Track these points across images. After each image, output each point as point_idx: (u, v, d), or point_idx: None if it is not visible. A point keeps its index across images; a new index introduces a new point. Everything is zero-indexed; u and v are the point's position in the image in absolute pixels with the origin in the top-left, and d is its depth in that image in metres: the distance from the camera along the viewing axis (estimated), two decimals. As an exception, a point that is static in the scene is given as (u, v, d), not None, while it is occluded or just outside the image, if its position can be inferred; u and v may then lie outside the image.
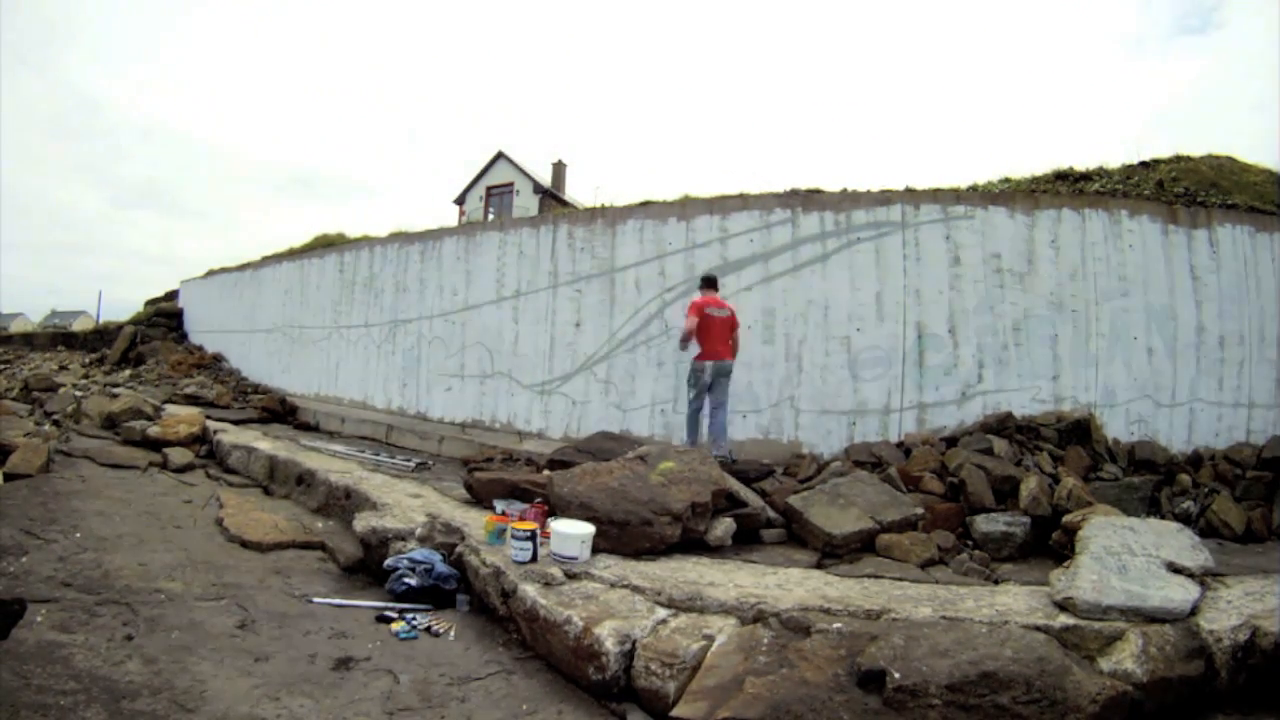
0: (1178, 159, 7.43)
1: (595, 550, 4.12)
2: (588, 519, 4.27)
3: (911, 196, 6.45)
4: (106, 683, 2.71)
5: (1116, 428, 6.08)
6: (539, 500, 4.92)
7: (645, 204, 7.55)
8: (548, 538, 4.11)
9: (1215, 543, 4.80)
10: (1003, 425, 5.83)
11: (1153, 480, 5.52)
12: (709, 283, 6.08)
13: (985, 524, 4.72)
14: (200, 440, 8.21)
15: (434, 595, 4.00)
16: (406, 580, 3.98)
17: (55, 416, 8.79)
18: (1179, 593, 3.20)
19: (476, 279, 8.71)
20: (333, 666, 3.12)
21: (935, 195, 6.45)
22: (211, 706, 2.65)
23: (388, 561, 4.20)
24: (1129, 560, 3.48)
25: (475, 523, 4.76)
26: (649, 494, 4.47)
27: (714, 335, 5.79)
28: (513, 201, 23.15)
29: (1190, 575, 3.39)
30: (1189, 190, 6.70)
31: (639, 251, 7.31)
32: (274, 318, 12.79)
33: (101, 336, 18.86)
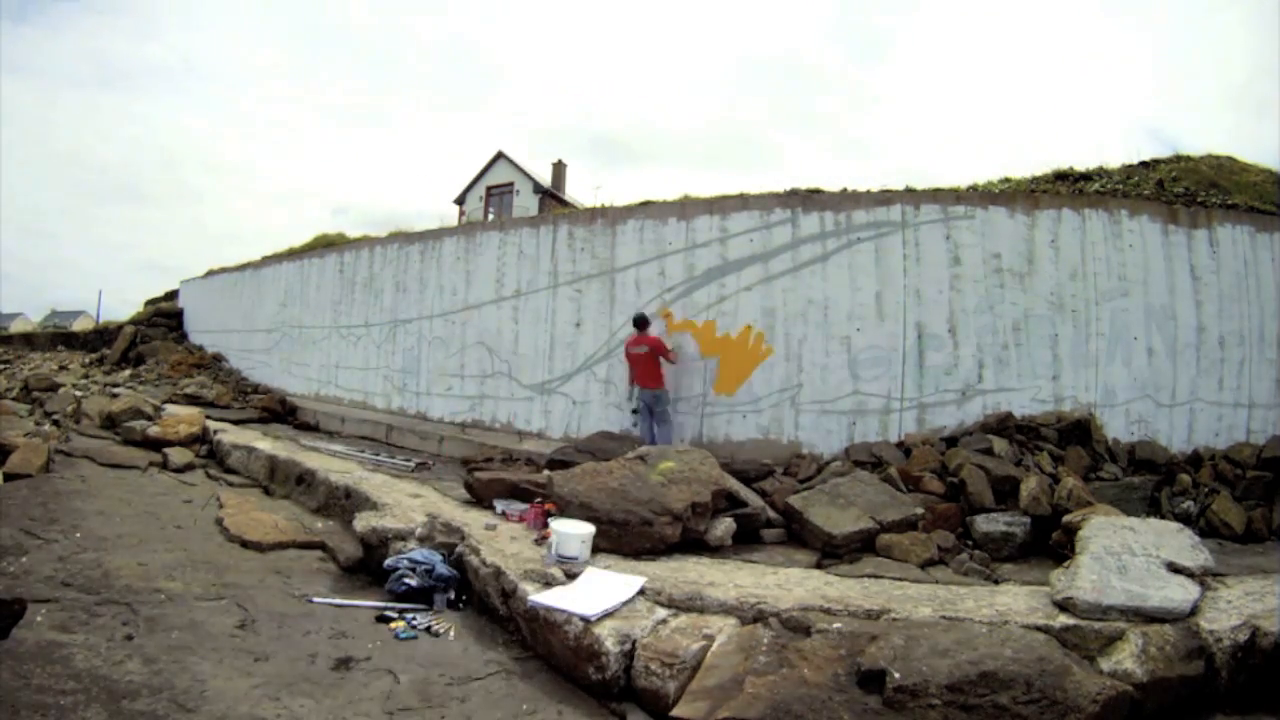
0: (1178, 159, 7.43)
1: (595, 550, 4.12)
2: (588, 519, 4.27)
3: (911, 196, 6.44)
4: (106, 683, 2.71)
5: (1116, 428, 6.08)
6: (539, 500, 4.92)
7: (645, 204, 7.55)
8: (548, 538, 4.11)
9: (1215, 543, 4.79)
10: (1003, 425, 5.82)
11: (1153, 480, 5.52)
12: (634, 323, 6.83)
13: (985, 524, 4.72)
14: (200, 440, 8.21)
15: (434, 595, 3.99)
16: (406, 580, 3.98)
17: (55, 416, 8.80)
18: (1179, 593, 3.20)
19: (476, 279, 8.71)
20: (333, 666, 3.12)
21: (935, 195, 6.44)
22: (211, 706, 2.65)
23: (388, 561, 4.20)
24: (1129, 560, 3.48)
25: (475, 523, 4.77)
26: (649, 494, 4.47)
27: (634, 369, 6.75)
28: (513, 201, 23.13)
29: (1190, 575, 3.39)
30: (1189, 190, 6.70)
31: (639, 251, 7.31)
32: (274, 318, 12.79)
33: (101, 336, 18.87)
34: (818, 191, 6.75)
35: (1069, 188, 6.88)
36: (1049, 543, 4.52)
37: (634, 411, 6.91)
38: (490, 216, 21.78)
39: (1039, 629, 3.05)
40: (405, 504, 5.31)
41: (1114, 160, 7.48)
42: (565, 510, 4.47)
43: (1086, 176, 7.19)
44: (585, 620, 3.17)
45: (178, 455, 7.42)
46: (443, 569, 4.08)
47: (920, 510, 4.82)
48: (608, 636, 3.07)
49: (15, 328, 33.17)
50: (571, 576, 3.73)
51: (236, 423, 9.67)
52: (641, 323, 6.76)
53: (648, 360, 6.60)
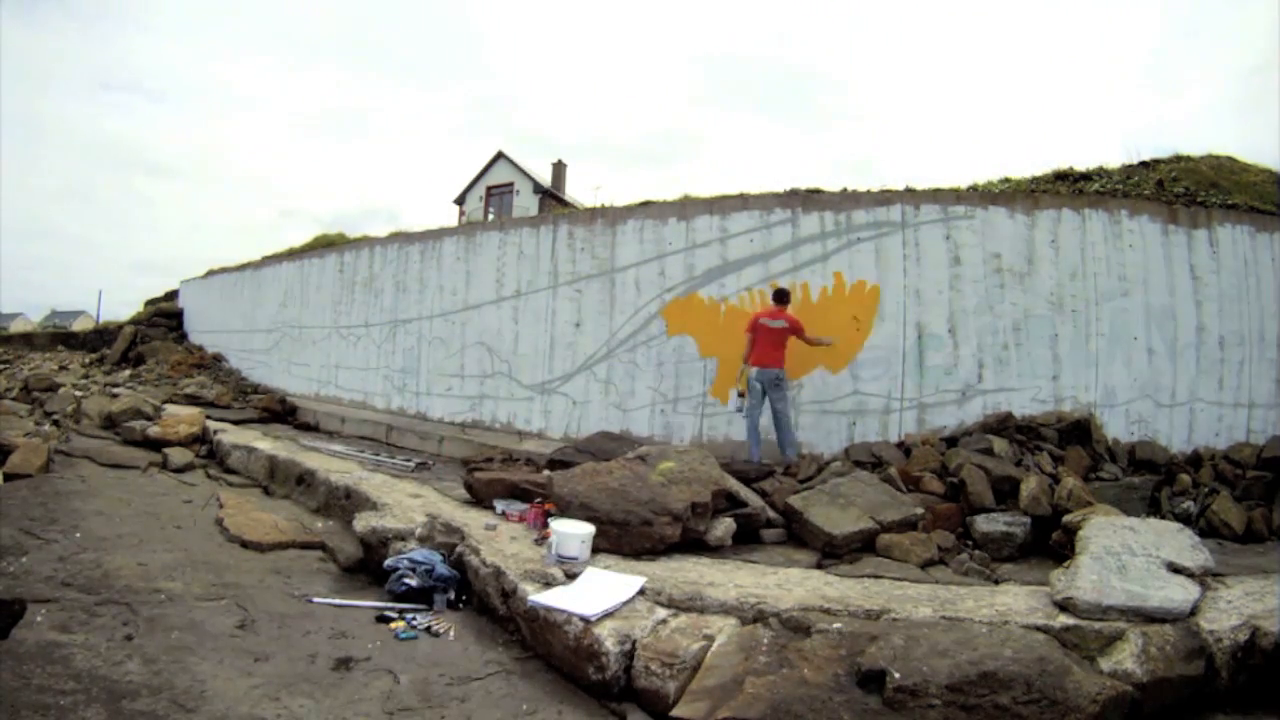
0: (1178, 159, 7.42)
1: (595, 550, 4.12)
2: (588, 519, 4.27)
3: (911, 196, 6.45)
4: (106, 683, 2.71)
5: (1116, 428, 6.08)
6: (539, 500, 4.92)
7: (645, 204, 7.55)
8: (548, 538, 4.11)
9: (1215, 543, 4.79)
10: (1003, 425, 5.82)
11: (1153, 480, 5.51)
12: (775, 297, 6.24)
13: (985, 524, 4.72)
14: (200, 440, 8.21)
15: (434, 595, 3.99)
16: (407, 580, 3.98)
17: (55, 416, 8.79)
18: (1179, 593, 3.20)
19: (476, 279, 8.71)
20: (333, 666, 3.12)
21: (935, 195, 6.45)
22: (211, 706, 2.65)
23: (388, 562, 4.20)
24: (1129, 560, 3.48)
25: (475, 523, 4.77)
26: (649, 494, 4.47)
27: (760, 344, 6.09)
28: (513, 201, 23.15)
29: (1190, 575, 3.39)
30: (1189, 190, 6.69)
31: (639, 251, 7.31)
32: (274, 318, 12.79)
33: (101, 336, 18.86)
34: (818, 191, 6.76)
35: (1069, 188, 6.88)
36: (1049, 543, 4.52)
37: (740, 394, 6.18)
38: (490, 216, 21.79)
39: (1039, 629, 3.05)
40: (405, 504, 5.31)
41: (1114, 160, 7.48)
42: (565, 510, 4.47)
43: (1086, 176, 7.19)
44: (585, 620, 3.17)
45: (178, 455, 7.42)
46: (443, 569, 4.08)
47: (920, 510, 4.82)
48: (608, 636, 3.07)
49: (15, 328, 33.14)
50: (571, 576, 3.73)
51: (236, 423, 9.67)
52: (782, 296, 6.18)
53: (780, 336, 6.05)
